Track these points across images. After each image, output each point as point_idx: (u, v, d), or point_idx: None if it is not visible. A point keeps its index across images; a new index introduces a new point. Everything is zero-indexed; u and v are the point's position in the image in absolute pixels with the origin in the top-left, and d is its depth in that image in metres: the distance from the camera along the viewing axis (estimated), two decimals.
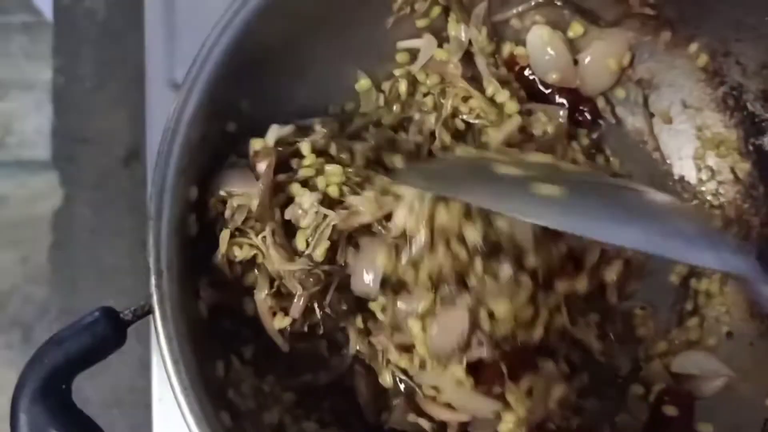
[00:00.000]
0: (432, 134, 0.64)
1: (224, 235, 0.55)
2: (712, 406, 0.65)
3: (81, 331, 0.49)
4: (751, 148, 0.67)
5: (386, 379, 0.60)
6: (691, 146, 0.70)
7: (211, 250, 0.56)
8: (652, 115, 0.71)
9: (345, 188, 0.57)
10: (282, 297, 0.56)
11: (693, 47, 0.67)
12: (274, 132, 0.57)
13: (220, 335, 0.56)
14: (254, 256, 0.56)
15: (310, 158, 0.57)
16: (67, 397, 0.50)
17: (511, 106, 0.65)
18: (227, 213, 0.56)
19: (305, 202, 0.55)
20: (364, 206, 0.55)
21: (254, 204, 0.55)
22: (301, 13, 0.60)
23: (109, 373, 0.99)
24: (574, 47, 0.68)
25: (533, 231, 0.54)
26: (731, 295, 0.67)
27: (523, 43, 0.68)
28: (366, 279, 0.56)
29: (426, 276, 0.55)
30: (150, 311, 0.50)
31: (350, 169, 0.57)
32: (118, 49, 1.06)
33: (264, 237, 0.55)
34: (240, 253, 0.55)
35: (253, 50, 0.57)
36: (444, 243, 0.54)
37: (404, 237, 0.54)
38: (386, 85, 0.67)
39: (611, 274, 0.63)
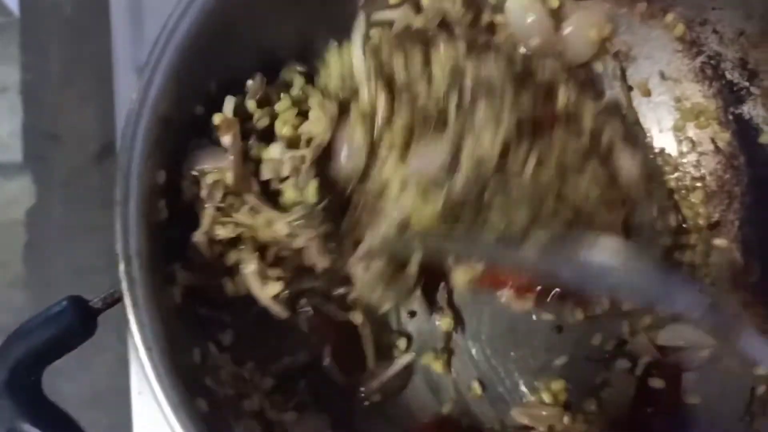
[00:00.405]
0: None
1: (208, 212, 0.54)
2: (698, 377, 0.65)
3: (48, 322, 0.48)
4: (730, 117, 0.66)
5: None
6: (671, 118, 0.69)
7: (184, 235, 0.55)
8: (630, 89, 0.70)
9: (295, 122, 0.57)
10: (275, 266, 0.57)
11: (669, 17, 0.66)
12: (231, 102, 0.56)
13: (196, 322, 0.55)
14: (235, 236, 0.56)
15: (257, 111, 0.57)
16: (36, 390, 0.48)
17: None
18: (203, 192, 0.55)
19: (276, 153, 0.55)
20: (315, 127, 0.56)
21: (229, 177, 0.54)
22: None
23: (89, 372, 0.97)
24: (555, 18, 0.66)
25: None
26: (715, 267, 0.66)
27: (502, 11, 0.66)
28: (346, 153, 0.56)
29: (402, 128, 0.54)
30: (120, 298, 0.48)
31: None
32: (85, 44, 1.04)
33: (250, 209, 0.55)
34: (223, 231, 0.55)
35: (217, 30, 0.55)
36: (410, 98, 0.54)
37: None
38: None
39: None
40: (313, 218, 0.55)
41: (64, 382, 0.95)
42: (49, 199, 1.04)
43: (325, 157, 0.56)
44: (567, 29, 0.66)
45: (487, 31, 0.65)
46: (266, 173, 0.56)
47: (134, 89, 0.52)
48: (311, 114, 0.57)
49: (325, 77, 0.59)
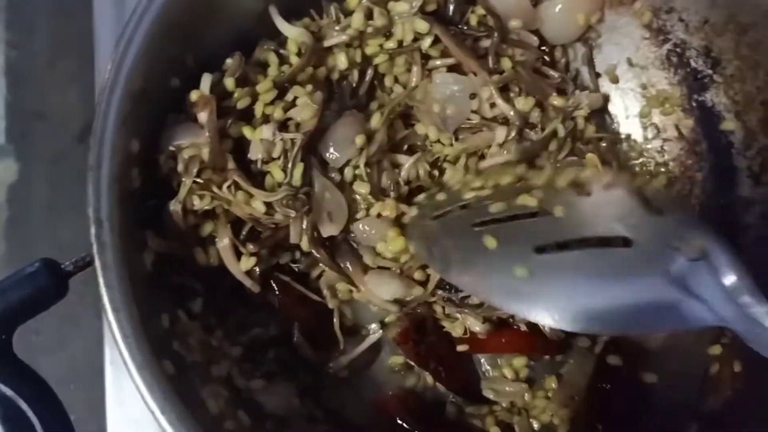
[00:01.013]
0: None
1: (186, 182, 0.56)
2: (656, 356, 0.66)
3: (21, 282, 0.49)
4: (694, 104, 0.68)
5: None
6: (637, 105, 0.71)
7: (159, 204, 0.56)
8: (598, 75, 0.72)
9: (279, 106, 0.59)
10: (249, 241, 0.58)
11: (637, 5, 0.68)
12: (208, 80, 0.58)
13: (166, 289, 0.57)
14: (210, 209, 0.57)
15: (238, 91, 0.59)
16: (8, 348, 0.49)
17: None
18: (180, 167, 0.56)
19: (267, 134, 0.57)
20: (304, 113, 0.58)
21: (205, 153, 0.56)
22: None
23: (67, 349, 0.98)
24: None
25: None
26: None
27: None
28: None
29: None
30: (91, 262, 0.50)
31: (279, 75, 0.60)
32: (70, 23, 1.05)
33: (229, 186, 0.56)
34: (200, 203, 0.57)
35: (194, 3, 0.56)
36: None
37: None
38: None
39: None
40: (297, 200, 0.57)
41: (42, 359, 0.96)
42: (32, 177, 1.05)
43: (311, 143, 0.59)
44: (557, 7, 0.67)
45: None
46: (255, 153, 0.58)
47: (109, 58, 0.53)
48: (299, 100, 0.59)
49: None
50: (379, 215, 0.61)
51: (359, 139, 0.60)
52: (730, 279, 0.51)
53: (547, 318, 0.53)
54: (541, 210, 0.56)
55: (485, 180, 0.62)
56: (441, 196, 0.62)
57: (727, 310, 0.50)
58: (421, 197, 0.64)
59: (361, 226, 0.62)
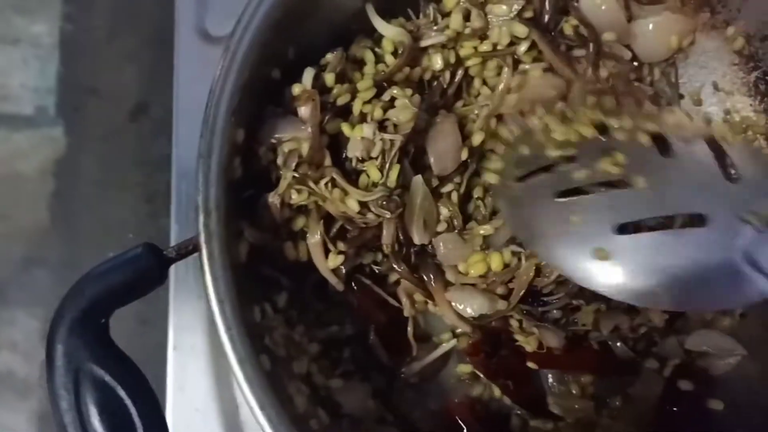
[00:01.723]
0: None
1: (287, 176, 0.56)
2: (723, 384, 0.66)
3: (124, 265, 0.49)
4: None
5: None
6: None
7: (254, 197, 0.56)
8: (681, 96, 0.71)
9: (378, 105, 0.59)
10: (338, 239, 0.58)
11: (731, 30, 0.67)
12: (310, 74, 0.58)
13: (256, 281, 0.56)
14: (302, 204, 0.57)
15: (337, 87, 0.59)
16: (104, 331, 0.49)
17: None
18: (279, 159, 0.56)
19: (368, 133, 0.57)
20: (402, 115, 0.58)
21: (305, 148, 0.55)
22: None
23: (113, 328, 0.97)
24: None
25: None
26: None
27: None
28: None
29: None
30: (194, 250, 0.49)
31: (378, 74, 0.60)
32: (134, 2, 1.04)
33: (327, 183, 0.56)
34: (297, 198, 0.56)
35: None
36: None
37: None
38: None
39: None
40: (392, 201, 0.57)
41: None
42: (81, 153, 1.04)
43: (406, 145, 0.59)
44: (650, 25, 0.67)
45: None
46: (354, 150, 0.58)
47: (222, 53, 0.53)
48: (398, 102, 0.59)
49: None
50: (461, 234, 0.62)
51: (464, 153, 0.61)
52: None
53: (622, 295, 0.57)
54: (624, 178, 0.58)
55: (567, 130, 0.62)
56: (525, 150, 0.63)
57: None
58: (503, 149, 0.64)
59: (441, 242, 0.62)
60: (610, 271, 0.56)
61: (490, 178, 0.63)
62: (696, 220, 0.57)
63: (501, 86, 0.65)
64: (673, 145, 0.60)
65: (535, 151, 0.62)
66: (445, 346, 0.65)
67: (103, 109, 1.05)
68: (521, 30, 0.63)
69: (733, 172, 0.59)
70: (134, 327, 0.91)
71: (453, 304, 0.61)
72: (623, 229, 0.57)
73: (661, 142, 0.60)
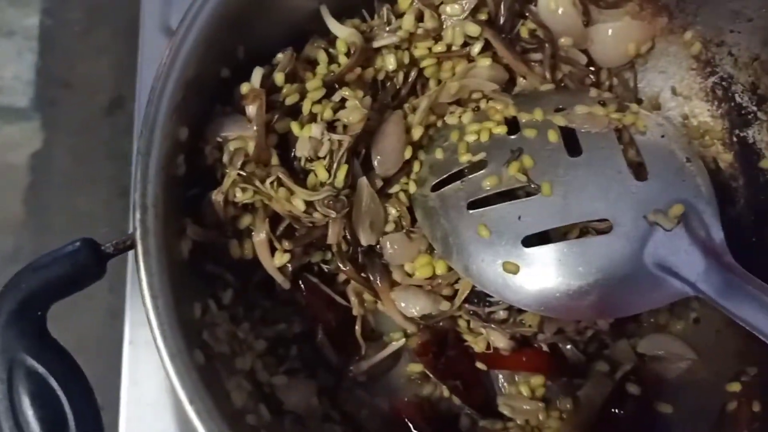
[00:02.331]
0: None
1: (231, 174, 0.56)
2: (674, 388, 0.66)
3: (61, 259, 0.49)
4: (734, 139, 0.68)
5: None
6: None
7: (200, 192, 0.57)
8: (640, 101, 0.71)
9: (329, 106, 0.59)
10: (284, 238, 0.58)
11: (688, 35, 0.67)
12: (259, 73, 0.58)
13: (200, 278, 0.57)
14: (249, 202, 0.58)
15: (287, 87, 0.59)
16: (42, 325, 0.49)
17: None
18: (225, 158, 0.57)
19: (316, 132, 0.57)
20: (352, 116, 0.58)
21: (250, 146, 0.56)
22: None
23: (78, 320, 0.98)
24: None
25: None
26: None
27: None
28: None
29: None
30: (131, 246, 0.50)
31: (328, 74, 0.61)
32: None
33: (273, 181, 0.56)
34: (241, 196, 0.57)
35: None
36: None
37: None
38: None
39: None
40: (338, 201, 0.57)
41: (52, 327, 0.96)
42: (56, 146, 1.05)
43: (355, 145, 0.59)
44: (609, 30, 0.67)
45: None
46: (303, 150, 0.58)
47: (165, 46, 0.53)
48: (348, 103, 0.59)
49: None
50: (408, 234, 0.62)
51: (407, 152, 0.61)
52: (712, 238, 0.55)
53: (534, 307, 0.58)
54: (531, 183, 0.58)
55: (480, 128, 0.62)
56: (439, 154, 0.63)
57: (701, 273, 0.55)
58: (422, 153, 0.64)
59: (388, 242, 0.62)
60: (520, 285, 0.57)
61: (410, 186, 0.63)
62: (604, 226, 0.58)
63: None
64: (582, 141, 0.60)
65: (449, 155, 0.62)
66: (394, 345, 0.65)
67: (78, 103, 1.06)
68: (474, 29, 0.63)
69: (641, 167, 0.59)
70: (104, 320, 0.92)
71: (397, 303, 0.61)
72: (532, 239, 0.58)
73: (570, 139, 0.60)
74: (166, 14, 0.77)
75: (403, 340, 0.65)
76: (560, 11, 0.66)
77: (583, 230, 0.60)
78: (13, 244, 1.00)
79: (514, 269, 0.57)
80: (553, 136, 0.60)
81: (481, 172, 0.60)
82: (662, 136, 0.62)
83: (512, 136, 0.61)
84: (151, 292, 0.48)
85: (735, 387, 0.63)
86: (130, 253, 0.50)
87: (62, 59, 1.07)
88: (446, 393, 0.66)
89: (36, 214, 1.03)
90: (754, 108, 0.66)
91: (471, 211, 0.59)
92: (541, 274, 0.57)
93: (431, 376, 0.65)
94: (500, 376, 0.68)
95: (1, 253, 0.98)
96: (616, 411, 0.64)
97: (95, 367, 0.96)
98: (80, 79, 1.06)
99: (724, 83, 0.67)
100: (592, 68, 0.69)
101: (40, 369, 0.47)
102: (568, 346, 0.66)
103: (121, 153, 0.98)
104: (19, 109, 1.05)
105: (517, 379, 0.67)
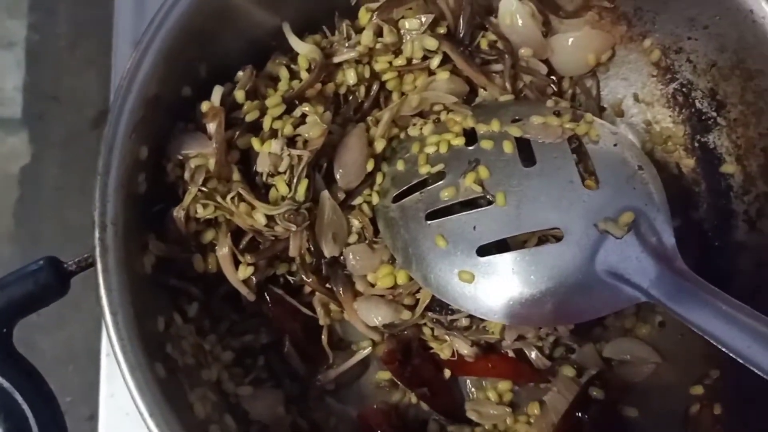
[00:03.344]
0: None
1: (191, 191, 0.57)
2: (639, 392, 0.68)
3: (24, 278, 0.51)
4: (696, 144, 0.69)
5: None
6: (640, 140, 0.72)
7: (163, 208, 0.58)
8: (603, 109, 0.73)
9: (289, 122, 0.60)
10: (248, 251, 0.60)
11: (647, 42, 0.68)
12: (219, 92, 0.59)
13: (164, 291, 0.58)
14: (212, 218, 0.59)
15: (247, 104, 0.60)
16: (7, 341, 0.51)
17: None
18: (186, 175, 0.58)
19: (275, 148, 0.58)
20: (312, 131, 0.59)
21: (211, 163, 0.57)
22: None
23: (66, 330, 1.00)
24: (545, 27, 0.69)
25: None
26: None
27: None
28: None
29: None
30: (93, 263, 0.51)
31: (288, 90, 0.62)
32: (91, 9, 1.06)
33: (233, 197, 0.58)
34: (202, 212, 0.58)
35: (211, 14, 0.58)
36: None
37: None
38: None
39: None
40: (299, 215, 0.58)
41: (41, 338, 0.98)
42: (45, 159, 1.07)
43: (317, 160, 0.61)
44: (569, 40, 0.68)
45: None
46: (263, 165, 0.59)
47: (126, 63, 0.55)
48: (308, 118, 0.60)
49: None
50: (371, 245, 0.63)
51: (369, 165, 0.62)
52: (663, 244, 0.56)
53: (489, 315, 0.60)
54: (486, 194, 0.60)
55: (439, 139, 0.64)
56: (401, 166, 0.64)
57: (653, 280, 0.56)
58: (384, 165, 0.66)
59: (351, 253, 0.63)
60: (475, 294, 0.59)
61: (373, 198, 0.64)
62: (556, 235, 0.59)
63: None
64: (536, 151, 0.61)
65: (410, 167, 0.64)
66: (361, 354, 0.66)
67: (65, 116, 1.08)
68: (432, 43, 0.64)
69: (593, 175, 0.61)
70: (92, 331, 0.94)
71: (360, 313, 0.62)
72: (490, 249, 0.59)
73: (526, 149, 0.62)
74: (138, 27, 0.78)
75: (370, 348, 0.67)
76: (520, 23, 0.67)
77: (541, 239, 0.61)
78: (2, 256, 1.03)
79: (469, 278, 0.59)
80: (508, 147, 0.61)
81: (440, 183, 0.62)
82: (615, 145, 0.62)
83: (470, 147, 0.63)
84: (111, 308, 0.50)
85: (698, 390, 0.65)
86: None
87: (49, 74, 1.09)
88: (414, 399, 0.67)
89: (25, 226, 1.05)
90: (714, 114, 0.67)
91: (429, 222, 0.61)
92: (495, 283, 0.58)
93: (399, 383, 0.67)
94: (468, 381, 0.69)
95: None
96: (580, 415, 0.65)
97: (83, 377, 0.98)
98: (67, 92, 1.08)
99: (684, 89, 0.68)
100: (553, 77, 0.70)
101: (5, 384, 0.49)
102: (533, 352, 0.67)
103: None
104: (20, 120, 1.08)
105: (484, 384, 0.69)
